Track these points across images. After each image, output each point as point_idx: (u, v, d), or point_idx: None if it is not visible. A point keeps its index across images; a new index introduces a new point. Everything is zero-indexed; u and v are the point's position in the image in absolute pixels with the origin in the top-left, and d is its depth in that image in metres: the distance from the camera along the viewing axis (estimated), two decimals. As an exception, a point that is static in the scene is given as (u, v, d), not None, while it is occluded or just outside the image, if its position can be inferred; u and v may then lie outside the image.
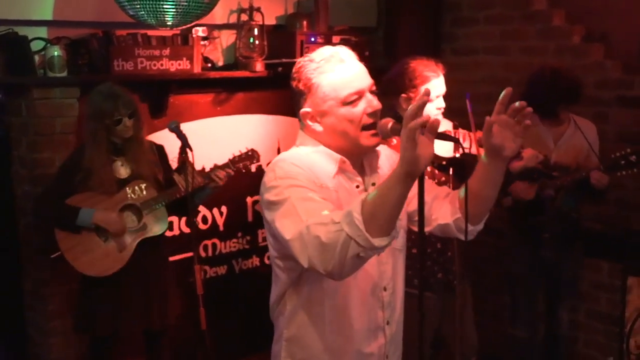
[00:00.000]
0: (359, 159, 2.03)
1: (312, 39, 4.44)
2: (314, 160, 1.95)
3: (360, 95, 1.93)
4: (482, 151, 3.19)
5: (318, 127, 1.97)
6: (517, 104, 1.76)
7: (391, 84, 3.24)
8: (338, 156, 1.96)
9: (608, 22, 4.18)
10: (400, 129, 1.85)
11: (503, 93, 1.80)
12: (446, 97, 3.31)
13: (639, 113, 3.93)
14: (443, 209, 2.09)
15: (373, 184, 2.02)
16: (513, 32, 4.46)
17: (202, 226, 4.53)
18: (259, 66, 4.33)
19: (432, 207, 2.10)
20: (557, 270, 3.86)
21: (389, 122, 1.87)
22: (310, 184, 1.87)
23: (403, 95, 3.17)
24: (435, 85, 3.13)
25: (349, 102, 1.91)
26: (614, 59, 4.08)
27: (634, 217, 3.86)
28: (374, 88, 1.97)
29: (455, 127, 3.26)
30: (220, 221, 4.61)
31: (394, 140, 3.07)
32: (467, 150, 3.20)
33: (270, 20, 4.55)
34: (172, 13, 3.16)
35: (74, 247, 3.39)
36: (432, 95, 3.13)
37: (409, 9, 4.71)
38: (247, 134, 4.47)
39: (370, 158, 2.04)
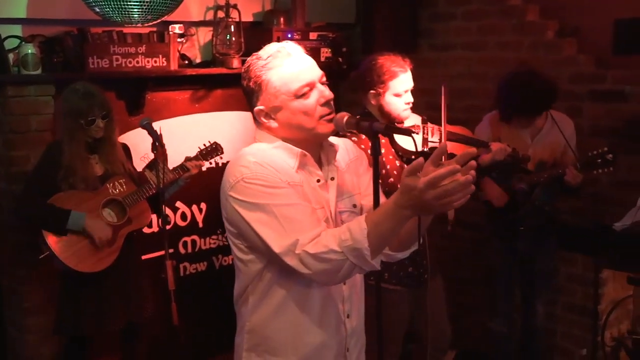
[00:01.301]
0: (317, 152, 2.04)
1: (289, 36, 4.46)
2: (276, 156, 1.96)
3: (311, 87, 1.94)
4: (451, 145, 3.23)
5: (273, 124, 1.98)
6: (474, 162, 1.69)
7: (359, 80, 3.27)
8: (298, 150, 1.98)
9: (581, 16, 4.21)
10: (355, 123, 1.88)
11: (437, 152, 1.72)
12: (422, 92, 3.34)
13: (612, 107, 3.95)
14: None
15: (332, 179, 2.04)
16: (489, 28, 4.48)
17: (181, 223, 4.55)
18: (236, 63, 4.34)
19: None
20: (532, 263, 3.89)
21: (344, 116, 1.88)
22: (278, 183, 1.89)
23: (371, 91, 3.19)
24: (403, 81, 3.15)
25: (301, 95, 1.93)
26: (587, 53, 4.10)
27: (608, 211, 3.88)
28: (324, 79, 1.99)
29: (424, 122, 3.29)
30: (199, 218, 4.63)
31: (364, 136, 3.11)
32: (435, 145, 3.23)
33: (247, 17, 4.56)
34: (137, 10, 3.17)
35: (64, 244, 3.41)
36: (401, 89, 3.15)
37: (386, 5, 4.72)
38: (225, 131, 4.48)
39: (327, 151, 2.06)
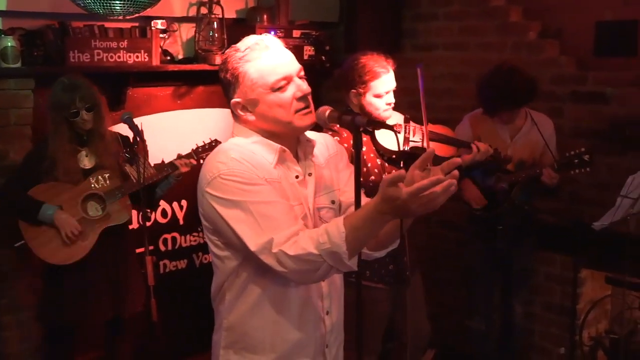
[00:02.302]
0: (294, 147, 2.03)
1: (272, 33, 4.44)
2: (254, 151, 1.95)
3: (288, 80, 1.93)
4: (432, 145, 3.24)
5: (250, 117, 1.97)
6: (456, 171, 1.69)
7: (342, 78, 3.27)
8: (278, 146, 1.97)
9: (563, 18, 4.23)
10: (337, 117, 1.88)
11: (424, 156, 1.72)
12: (405, 92, 3.34)
13: (593, 108, 3.98)
14: None
15: (309, 174, 2.03)
16: (471, 28, 4.49)
17: (161, 220, 4.53)
18: (219, 59, 4.31)
19: None
20: (510, 262, 3.92)
21: (326, 110, 1.88)
22: (255, 180, 1.88)
23: (353, 90, 3.19)
24: (385, 81, 3.16)
25: (277, 88, 1.92)
26: (569, 55, 4.13)
27: (588, 211, 3.91)
28: (302, 73, 1.98)
29: (406, 121, 3.30)
30: (180, 215, 4.61)
31: (345, 134, 3.11)
32: (416, 144, 3.23)
33: (230, 14, 4.55)
34: (119, 2, 3.14)
35: (37, 236, 3.40)
36: (382, 90, 3.15)
37: (370, 4, 4.73)
38: (207, 128, 4.45)
39: (304, 146, 2.05)
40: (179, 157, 3.71)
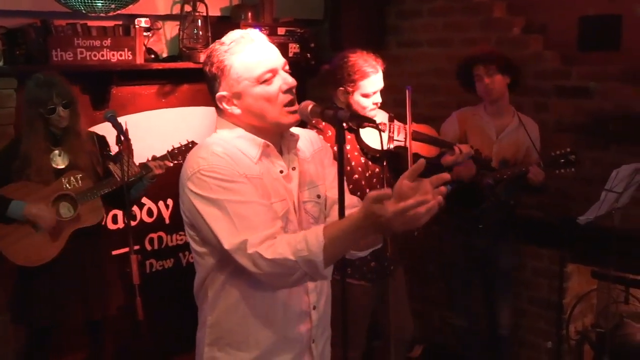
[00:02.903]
0: (278, 142, 2.03)
1: (257, 30, 4.42)
2: (237, 146, 1.94)
3: (274, 73, 1.93)
4: (416, 145, 3.24)
5: (235, 110, 1.96)
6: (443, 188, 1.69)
7: (330, 75, 3.26)
8: (261, 140, 1.96)
9: (547, 13, 4.25)
10: (320, 112, 1.87)
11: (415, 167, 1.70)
12: (390, 89, 3.33)
13: (577, 103, 4.00)
14: None
15: (293, 169, 2.03)
16: (455, 24, 4.50)
17: (147, 219, 4.50)
18: (203, 58, 4.28)
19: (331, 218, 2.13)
20: (491, 261, 3.90)
21: (309, 105, 1.88)
22: (235, 177, 1.87)
23: (341, 88, 3.18)
24: (373, 82, 3.15)
25: (263, 81, 1.91)
26: (553, 49, 4.14)
27: (573, 205, 3.93)
28: (287, 67, 1.97)
29: (390, 120, 3.30)
30: (166, 214, 4.59)
31: (329, 132, 3.11)
32: (400, 143, 3.24)
33: (215, 12, 4.53)
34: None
35: (5, 236, 3.35)
36: (370, 90, 3.15)
37: (354, 1, 4.73)
38: (192, 126, 4.44)
39: (287, 141, 2.04)
40: (154, 158, 3.64)
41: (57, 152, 3.44)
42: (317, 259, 1.75)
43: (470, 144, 3.52)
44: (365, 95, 3.16)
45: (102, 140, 3.64)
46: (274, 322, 1.99)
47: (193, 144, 3.70)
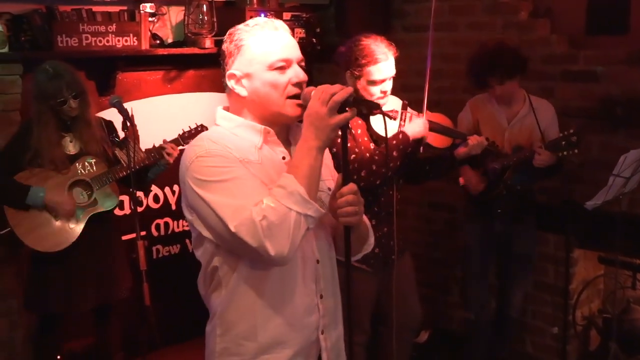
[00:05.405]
0: (283, 130, 2.02)
1: (263, 16, 4.39)
2: (236, 134, 1.95)
3: (288, 63, 1.93)
4: (430, 135, 3.20)
5: (242, 92, 1.95)
6: None
7: (340, 57, 3.23)
8: (261, 127, 1.96)
9: (554, -3, 4.22)
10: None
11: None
12: (398, 74, 3.29)
13: (584, 87, 3.97)
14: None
15: None
16: (461, 8, 4.46)
17: (154, 205, 4.51)
18: (209, 43, 4.29)
19: None
20: (508, 246, 3.88)
21: (311, 90, 1.87)
22: (233, 161, 1.87)
23: (349, 72, 3.16)
24: (381, 69, 3.12)
25: (275, 68, 1.92)
26: (560, 34, 4.11)
27: (580, 190, 3.90)
28: (303, 63, 1.98)
29: (404, 107, 3.26)
30: (172, 200, 4.60)
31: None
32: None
33: (220, -4, 4.52)
34: (106, -17, 3.10)
35: (23, 223, 3.37)
36: (378, 77, 3.12)
37: (360, -15, 4.70)
38: (198, 112, 4.42)
39: (294, 132, 2.04)
40: (165, 142, 3.66)
41: (68, 138, 3.46)
42: (295, 189, 1.79)
43: (485, 136, 3.49)
44: (373, 82, 3.13)
45: (110, 125, 3.65)
46: (283, 310, 1.97)
47: (203, 127, 3.73)
